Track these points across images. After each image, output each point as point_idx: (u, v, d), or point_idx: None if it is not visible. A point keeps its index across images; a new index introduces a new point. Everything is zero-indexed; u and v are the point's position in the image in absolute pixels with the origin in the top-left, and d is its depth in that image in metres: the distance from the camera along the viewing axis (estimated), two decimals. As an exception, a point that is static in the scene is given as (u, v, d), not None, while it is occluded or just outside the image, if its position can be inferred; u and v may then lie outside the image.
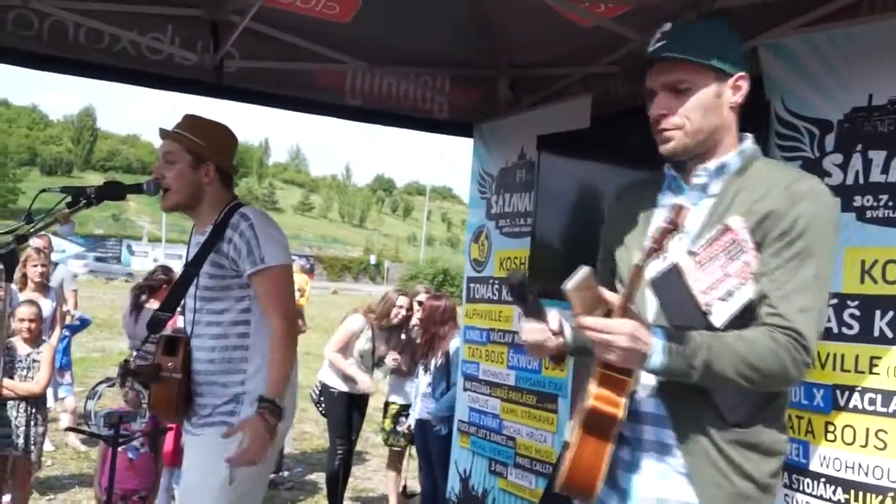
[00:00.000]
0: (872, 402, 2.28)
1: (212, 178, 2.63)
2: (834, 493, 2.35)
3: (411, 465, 5.56)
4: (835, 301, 2.38)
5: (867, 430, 2.28)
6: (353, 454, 5.41)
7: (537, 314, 1.72)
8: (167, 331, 2.83)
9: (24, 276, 5.37)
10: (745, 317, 1.64)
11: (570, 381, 3.64)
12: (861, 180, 2.36)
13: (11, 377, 4.15)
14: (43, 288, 5.51)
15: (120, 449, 3.60)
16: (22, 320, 4.27)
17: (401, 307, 5.04)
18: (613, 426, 1.65)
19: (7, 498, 4.33)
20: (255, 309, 2.59)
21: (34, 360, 4.28)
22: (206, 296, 2.62)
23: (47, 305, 5.50)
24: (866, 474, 2.27)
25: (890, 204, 2.30)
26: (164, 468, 4.25)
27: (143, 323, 3.52)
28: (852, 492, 2.30)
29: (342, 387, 5.04)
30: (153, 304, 4.59)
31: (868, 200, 2.33)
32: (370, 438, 7.21)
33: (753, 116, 2.65)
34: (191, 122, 2.68)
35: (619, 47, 3.48)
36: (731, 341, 1.59)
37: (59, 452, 6.30)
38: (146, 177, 2.86)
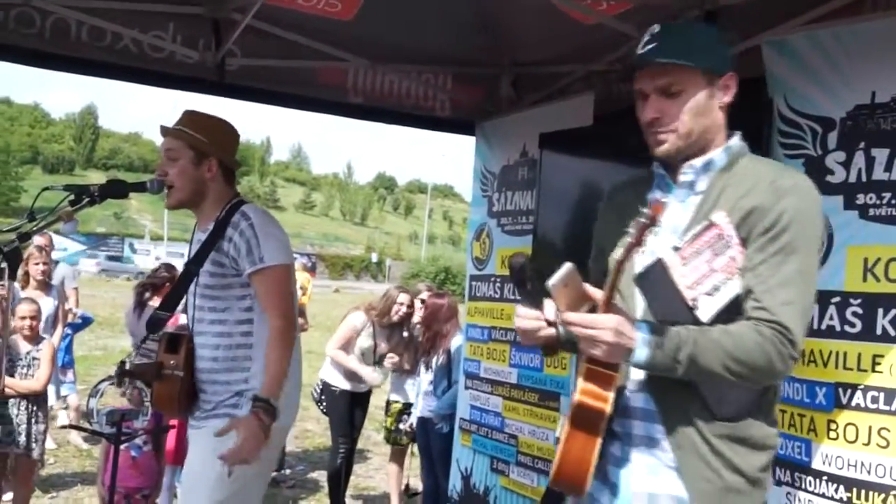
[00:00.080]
0: (875, 400, 2.28)
1: (214, 173, 2.63)
2: (836, 491, 2.34)
3: (413, 463, 5.57)
4: (837, 299, 2.38)
5: (869, 428, 2.28)
6: (355, 452, 5.42)
7: (534, 301, 1.72)
8: (170, 328, 2.83)
9: (27, 274, 5.37)
10: (732, 312, 1.65)
11: (572, 379, 3.64)
12: (864, 178, 2.35)
13: (12, 375, 4.16)
14: (45, 286, 5.51)
15: (123, 447, 3.61)
16: (23, 318, 4.28)
17: (401, 304, 5.04)
18: (601, 420, 1.66)
19: (9, 496, 4.34)
20: (257, 308, 2.59)
21: (34, 358, 4.29)
22: (207, 294, 2.62)
23: (49, 303, 5.51)
24: (868, 472, 2.27)
25: (893, 202, 2.29)
26: (166, 466, 4.25)
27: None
28: (854, 490, 2.30)
29: (344, 385, 5.04)
30: (156, 302, 4.60)
31: (871, 198, 2.33)
32: (372, 437, 7.22)
33: (756, 114, 2.67)
34: (191, 117, 2.67)
35: (622, 45, 3.48)
36: (717, 335, 1.60)
37: (61, 450, 6.31)
38: (148, 175, 2.86)
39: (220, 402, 2.59)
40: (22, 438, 4.16)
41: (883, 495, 2.22)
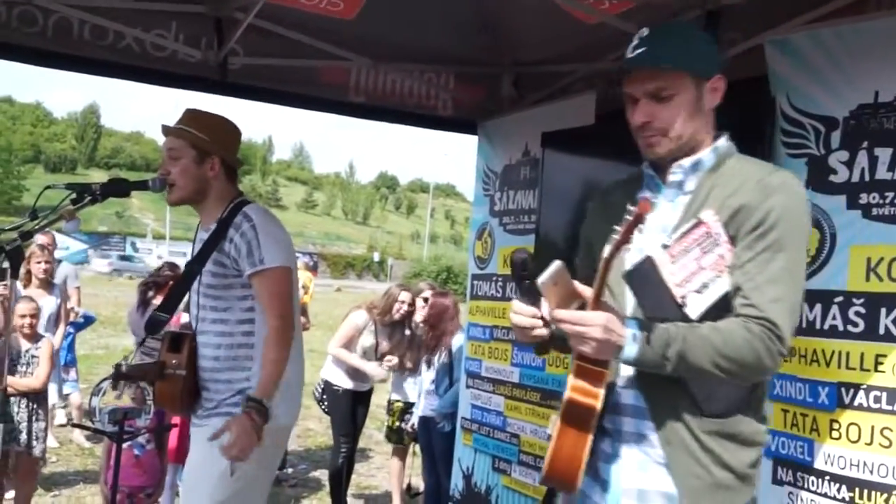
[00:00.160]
0: (878, 399, 2.27)
1: (217, 171, 2.63)
2: (838, 491, 2.34)
3: (414, 462, 5.57)
4: (840, 299, 2.37)
5: (872, 427, 2.28)
6: (357, 451, 5.42)
7: (532, 299, 1.72)
8: (173, 327, 2.84)
9: (29, 272, 5.38)
10: (720, 309, 1.66)
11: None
12: (867, 177, 2.35)
13: (12, 373, 4.16)
14: (47, 285, 5.52)
15: (126, 446, 3.61)
16: (22, 316, 4.28)
17: (403, 302, 5.05)
18: (592, 417, 1.67)
19: (11, 494, 4.35)
20: (258, 308, 2.59)
21: (33, 356, 4.29)
22: (209, 294, 2.63)
23: (51, 302, 5.52)
24: (871, 472, 2.26)
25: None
26: (168, 465, 4.26)
27: (150, 319, 3.53)
28: (857, 490, 2.29)
29: (345, 384, 5.04)
30: (160, 301, 4.60)
31: (874, 198, 2.32)
32: (374, 435, 7.22)
33: (759, 113, 2.66)
34: (193, 116, 2.68)
35: (624, 44, 3.43)
36: (706, 332, 1.61)
37: (63, 449, 6.32)
38: (150, 174, 2.87)
39: (221, 400, 2.59)
40: (23, 436, 4.16)
41: (885, 495, 2.22)
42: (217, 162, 2.63)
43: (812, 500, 2.42)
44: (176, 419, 4.02)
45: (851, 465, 2.32)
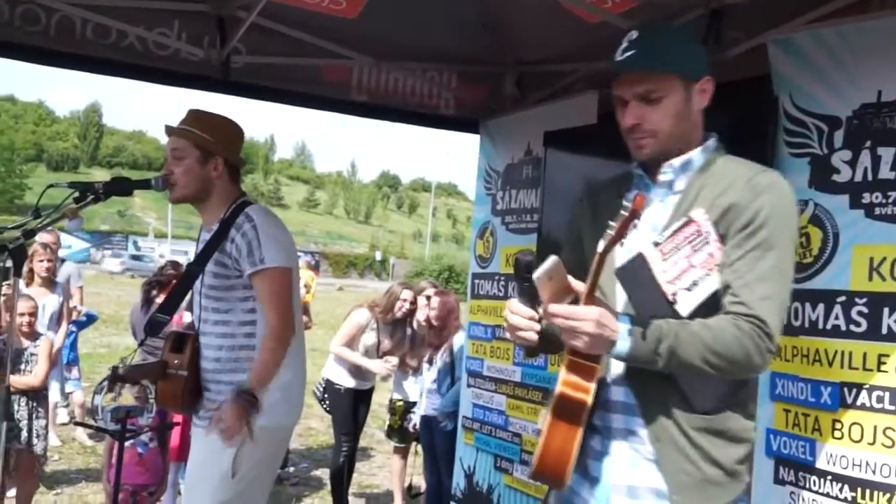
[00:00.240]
0: (880, 399, 2.27)
1: (220, 172, 2.64)
2: (841, 490, 2.34)
3: (415, 462, 5.57)
4: (843, 298, 2.37)
5: (875, 427, 2.27)
6: (358, 450, 5.42)
7: (530, 301, 1.72)
8: (175, 326, 2.84)
9: (31, 271, 5.38)
10: (710, 307, 1.68)
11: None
12: (870, 177, 2.34)
13: (12, 372, 4.16)
14: (49, 283, 5.52)
15: (129, 444, 3.61)
16: (21, 315, 4.29)
17: (405, 301, 5.05)
18: (582, 412, 1.68)
19: (13, 492, 4.35)
20: (260, 309, 2.59)
21: (32, 354, 4.30)
22: (211, 294, 2.63)
23: (53, 300, 5.52)
24: (873, 472, 2.26)
25: (899, 201, 2.28)
26: (170, 463, 4.26)
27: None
28: (859, 489, 2.29)
29: (347, 383, 5.04)
30: (163, 300, 4.60)
31: (877, 197, 2.32)
32: (375, 434, 7.22)
33: (761, 112, 2.66)
34: (196, 117, 2.68)
35: (627, 43, 3.46)
36: (697, 329, 1.63)
37: (65, 447, 6.33)
38: (152, 173, 2.87)
39: (223, 401, 2.59)
40: (23, 434, 4.17)
41: (888, 495, 2.22)
42: (220, 162, 2.63)
43: (814, 500, 2.42)
44: (178, 417, 4.02)
45: (854, 464, 2.31)
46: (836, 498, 2.35)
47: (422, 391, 4.95)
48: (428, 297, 5.03)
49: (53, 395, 5.94)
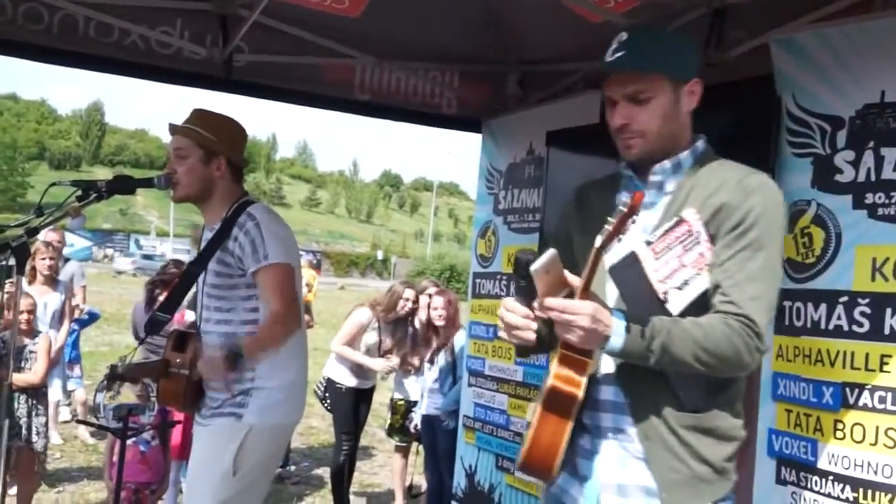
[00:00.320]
0: (882, 400, 2.27)
1: (223, 171, 2.64)
2: (842, 491, 2.34)
3: (417, 461, 5.57)
4: (845, 299, 2.37)
5: (877, 428, 2.27)
6: (359, 449, 5.42)
7: (526, 300, 1.73)
8: (177, 325, 2.84)
9: (33, 269, 5.39)
10: (699, 306, 1.70)
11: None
12: (873, 177, 2.34)
13: (6, 369, 4.17)
14: (51, 281, 5.53)
15: (131, 442, 3.62)
16: (20, 312, 4.29)
17: (407, 300, 5.05)
18: (573, 405, 1.69)
19: (14, 490, 4.35)
20: (263, 308, 2.59)
21: (31, 351, 4.30)
22: (213, 293, 2.63)
23: (56, 299, 5.53)
24: (875, 473, 2.26)
25: (901, 201, 2.28)
26: (172, 461, 4.26)
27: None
28: (861, 490, 2.29)
29: (348, 382, 5.04)
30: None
31: (880, 198, 2.31)
32: (376, 433, 7.22)
33: (764, 112, 2.66)
34: (200, 116, 2.68)
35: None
36: (688, 326, 1.65)
37: (67, 445, 6.34)
38: (154, 171, 2.88)
39: (225, 400, 2.60)
40: (23, 432, 4.17)
41: (890, 495, 2.21)
42: (223, 162, 2.64)
43: (815, 501, 2.41)
44: (179, 416, 4.03)
45: (856, 465, 2.31)
46: (838, 498, 2.34)
47: (423, 391, 4.96)
48: (430, 296, 5.03)
49: (55, 393, 5.95)
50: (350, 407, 5.06)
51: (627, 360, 1.69)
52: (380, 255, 73.72)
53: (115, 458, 3.57)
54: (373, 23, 3.76)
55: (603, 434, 1.81)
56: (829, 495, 2.37)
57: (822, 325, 2.42)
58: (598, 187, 1.98)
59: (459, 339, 4.75)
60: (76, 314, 6.32)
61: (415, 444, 5.32)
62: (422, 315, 5.10)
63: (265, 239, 2.54)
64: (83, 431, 6.57)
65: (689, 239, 1.72)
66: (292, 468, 6.04)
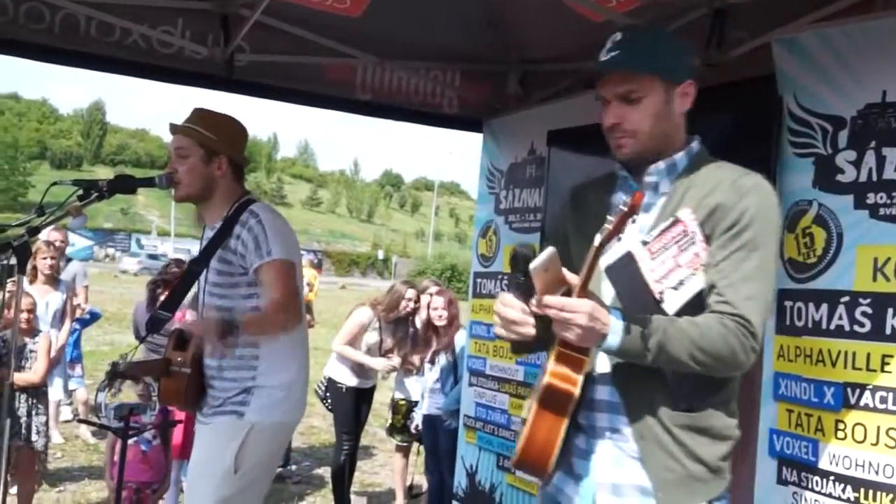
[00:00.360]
0: (884, 400, 2.26)
1: (224, 171, 2.64)
2: (843, 491, 2.33)
3: (418, 461, 5.57)
4: (846, 299, 2.36)
5: (878, 428, 2.27)
6: (360, 449, 5.42)
7: (522, 295, 1.74)
8: (177, 324, 2.85)
9: (35, 268, 5.39)
10: (694, 306, 1.71)
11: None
12: (874, 177, 2.34)
13: (8, 369, 4.17)
14: (53, 280, 5.53)
15: (132, 441, 3.62)
16: (20, 311, 4.29)
17: (409, 299, 5.05)
18: (569, 403, 1.70)
19: (15, 489, 4.35)
20: (264, 306, 2.59)
21: (31, 351, 4.31)
22: (214, 292, 2.64)
23: (57, 298, 5.53)
24: (877, 472, 2.25)
25: (903, 201, 2.28)
26: (173, 461, 4.26)
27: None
28: (862, 490, 2.28)
29: (349, 381, 5.04)
30: (169, 298, 4.60)
31: (881, 198, 2.31)
32: (377, 433, 7.22)
33: (766, 112, 2.66)
34: (201, 115, 2.68)
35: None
36: (684, 325, 1.66)
37: (68, 444, 6.34)
38: (155, 171, 2.88)
39: (227, 398, 2.60)
40: (23, 431, 4.17)
41: (891, 496, 2.21)
42: (224, 161, 2.64)
43: (816, 501, 2.41)
44: (180, 415, 4.03)
45: (857, 465, 2.31)
46: (839, 498, 2.34)
47: (424, 391, 4.95)
48: (430, 296, 5.03)
49: (57, 392, 5.96)
50: (351, 406, 5.06)
51: (624, 359, 1.70)
52: (381, 254, 73.75)
53: (116, 458, 3.57)
54: (374, 22, 3.76)
55: (598, 434, 1.82)
56: (830, 495, 2.37)
57: (824, 325, 2.42)
58: (593, 187, 2.00)
59: (460, 338, 4.75)
60: (78, 314, 6.33)
61: (415, 444, 5.32)
62: (422, 315, 5.10)
63: (268, 236, 2.54)
64: (84, 431, 6.58)
65: (684, 239, 1.73)
66: (293, 467, 6.05)
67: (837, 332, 2.38)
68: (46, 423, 4.41)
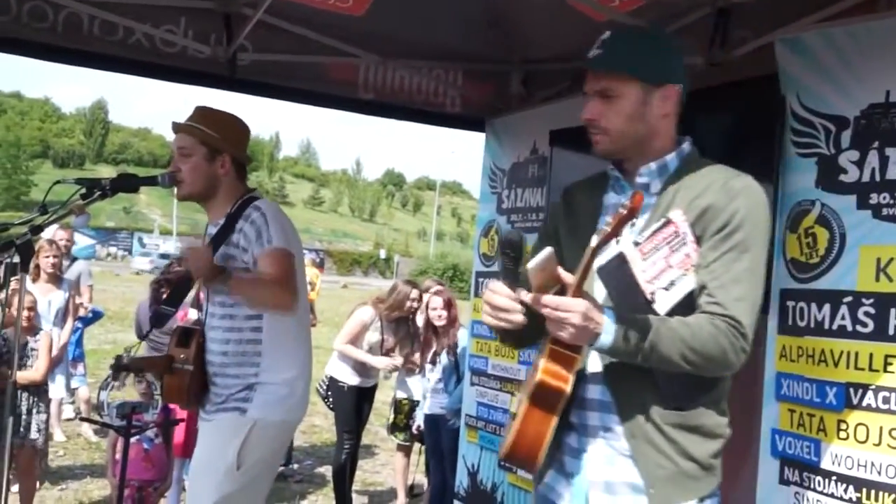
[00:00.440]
0: (886, 400, 2.26)
1: (227, 169, 2.64)
2: (846, 491, 2.33)
3: (419, 460, 5.58)
4: (849, 299, 2.36)
5: (881, 428, 2.27)
6: (361, 448, 5.43)
7: (511, 281, 1.74)
8: (179, 322, 2.85)
9: (37, 267, 5.40)
10: (685, 306, 1.72)
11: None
12: (877, 177, 2.33)
13: (10, 367, 4.18)
14: (55, 279, 5.54)
15: (135, 440, 3.63)
16: (23, 309, 4.29)
17: (414, 299, 5.06)
18: (560, 400, 1.71)
19: (16, 487, 4.36)
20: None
21: (32, 349, 4.31)
22: (217, 289, 2.63)
23: (59, 297, 5.54)
24: (879, 473, 2.25)
25: (906, 201, 2.27)
26: (175, 459, 4.27)
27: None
28: (864, 490, 2.28)
29: (351, 380, 5.05)
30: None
31: (884, 198, 2.30)
32: (379, 432, 7.23)
33: (769, 112, 2.65)
34: (203, 114, 2.68)
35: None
36: (676, 325, 1.68)
37: (71, 443, 6.35)
38: (157, 170, 2.89)
39: (230, 395, 2.60)
40: (22, 429, 4.18)
41: (893, 496, 2.21)
42: (227, 159, 2.64)
43: (818, 501, 2.41)
44: (182, 414, 4.03)
45: (859, 465, 2.31)
46: (841, 499, 2.34)
47: (425, 391, 4.95)
48: (434, 294, 5.03)
49: (59, 390, 5.97)
50: (352, 405, 5.06)
51: (616, 358, 1.72)
52: (382, 253, 73.77)
53: (118, 456, 3.58)
54: (377, 22, 3.76)
55: (590, 432, 1.83)
56: (832, 495, 2.37)
57: (826, 325, 2.42)
58: (585, 188, 2.02)
59: (462, 337, 4.75)
60: (81, 312, 6.34)
61: (417, 444, 5.32)
62: (423, 315, 5.11)
63: (270, 227, 2.54)
64: (86, 429, 6.58)
65: (675, 240, 1.74)
66: (295, 466, 6.05)
67: (840, 332, 2.38)
68: (47, 421, 4.42)
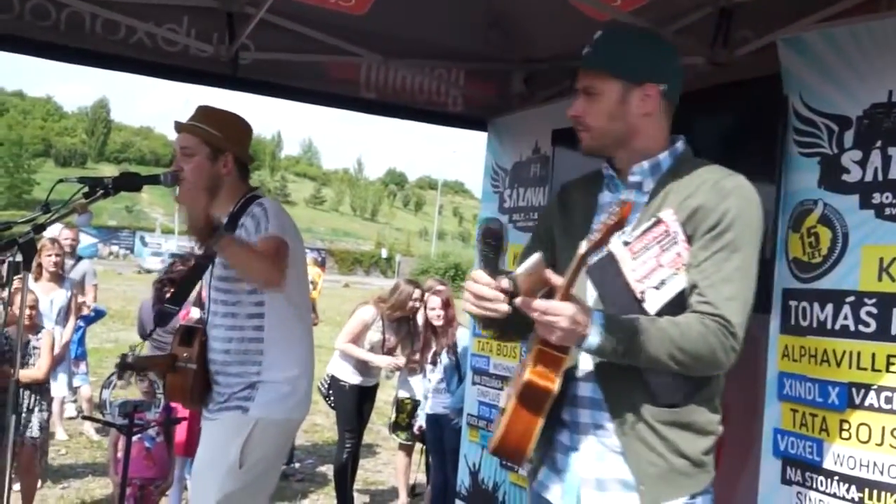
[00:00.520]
0: (889, 400, 2.26)
1: (230, 168, 2.65)
2: (848, 491, 2.33)
3: (420, 460, 5.58)
4: (851, 299, 2.36)
5: (883, 428, 2.26)
6: (363, 447, 5.43)
7: (492, 269, 1.77)
8: (181, 321, 2.85)
9: (39, 265, 5.41)
10: (676, 305, 1.73)
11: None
12: (880, 177, 2.33)
13: (13, 365, 4.18)
14: (57, 278, 5.55)
15: (136, 438, 3.63)
16: (25, 308, 4.30)
17: (416, 299, 5.06)
18: (547, 400, 1.73)
19: (18, 486, 4.37)
20: (269, 302, 2.60)
21: (34, 347, 4.32)
22: (220, 287, 2.64)
23: (62, 295, 5.55)
24: (881, 473, 2.25)
25: (908, 201, 2.27)
26: (176, 458, 4.28)
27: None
28: (866, 490, 2.28)
29: (352, 379, 5.05)
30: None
31: (887, 198, 2.30)
32: (381, 431, 7.23)
33: (771, 112, 2.65)
34: (205, 113, 2.68)
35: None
36: (665, 325, 1.68)
37: (72, 441, 6.36)
38: (159, 169, 2.88)
39: (232, 394, 2.61)
40: (22, 427, 4.18)
41: (895, 496, 2.21)
42: (230, 159, 2.64)
43: (821, 501, 2.41)
44: (184, 412, 4.04)
45: (861, 465, 2.30)
46: (844, 498, 2.34)
47: (426, 391, 4.95)
48: (437, 293, 5.03)
49: (61, 389, 5.98)
50: (354, 404, 5.07)
51: (604, 358, 1.73)
52: (384, 253, 73.81)
53: (120, 455, 3.59)
54: (378, 21, 3.76)
55: (582, 430, 1.84)
56: (834, 495, 2.37)
57: (829, 325, 2.41)
58: (581, 186, 2.02)
59: (463, 337, 4.75)
60: (83, 311, 6.35)
61: (419, 443, 5.33)
62: (430, 315, 5.11)
63: (269, 220, 2.54)
64: (88, 428, 6.59)
65: (666, 239, 1.75)
66: (296, 465, 6.06)
67: (842, 331, 2.38)
68: (48, 420, 4.43)
